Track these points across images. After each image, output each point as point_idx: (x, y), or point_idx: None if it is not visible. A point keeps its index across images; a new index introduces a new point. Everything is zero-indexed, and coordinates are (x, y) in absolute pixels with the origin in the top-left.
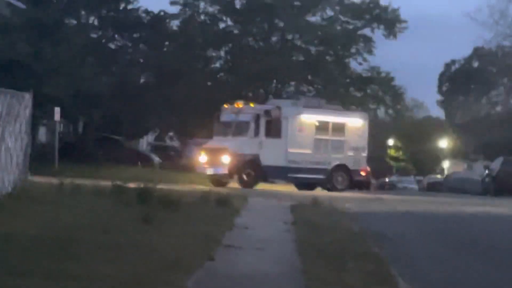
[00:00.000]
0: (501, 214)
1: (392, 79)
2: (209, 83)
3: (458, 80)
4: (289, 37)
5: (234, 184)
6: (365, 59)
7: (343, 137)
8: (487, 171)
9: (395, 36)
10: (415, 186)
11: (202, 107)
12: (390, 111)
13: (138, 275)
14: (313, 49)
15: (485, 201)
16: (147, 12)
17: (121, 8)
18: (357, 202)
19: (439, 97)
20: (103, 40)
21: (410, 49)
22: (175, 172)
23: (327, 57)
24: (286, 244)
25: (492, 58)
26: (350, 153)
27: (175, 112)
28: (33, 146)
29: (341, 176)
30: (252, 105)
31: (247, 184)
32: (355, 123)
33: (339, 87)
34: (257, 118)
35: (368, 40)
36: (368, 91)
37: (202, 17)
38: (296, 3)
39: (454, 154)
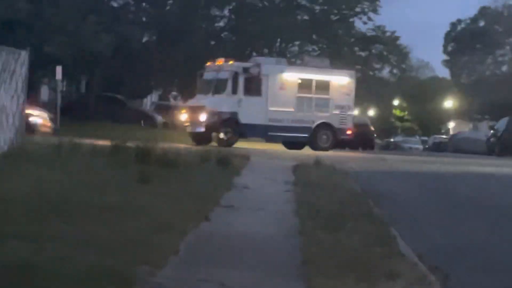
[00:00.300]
0: (505, 174)
1: (397, 38)
2: (212, 42)
3: (464, 40)
4: None
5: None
6: (370, 18)
7: (327, 95)
8: (492, 131)
9: None
10: (420, 146)
11: None
12: (395, 70)
13: (128, 236)
14: (317, 8)
15: (490, 161)
16: None
17: None
18: (360, 162)
19: (444, 57)
20: None
21: (416, 9)
22: (178, 131)
23: (332, 16)
24: (285, 205)
25: (499, 17)
26: (336, 112)
27: (177, 71)
28: (35, 105)
29: (326, 135)
30: (231, 62)
31: (225, 142)
32: (341, 81)
33: (343, 46)
34: (235, 75)
35: None
36: (373, 50)
37: None
38: None
39: (460, 114)
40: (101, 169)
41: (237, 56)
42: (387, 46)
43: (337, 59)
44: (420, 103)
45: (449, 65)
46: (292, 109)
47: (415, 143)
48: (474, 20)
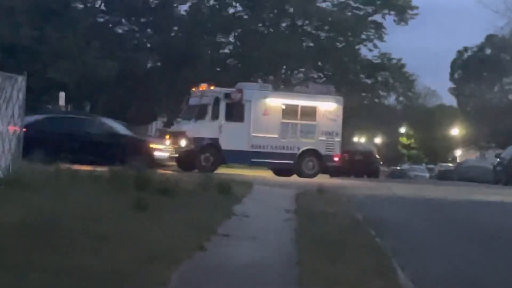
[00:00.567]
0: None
1: (403, 65)
2: (217, 69)
3: (471, 68)
4: (299, 22)
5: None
6: (375, 46)
7: (313, 121)
8: (498, 160)
9: (406, 22)
10: (426, 174)
11: None
12: (401, 98)
13: (117, 267)
14: (323, 35)
15: (495, 189)
16: None
17: None
18: (364, 190)
19: (451, 85)
20: (110, 25)
21: (422, 37)
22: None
23: (337, 43)
24: (285, 233)
25: (505, 45)
26: (322, 138)
27: (182, 97)
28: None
29: (311, 162)
30: (212, 87)
31: (206, 168)
32: (327, 106)
33: (349, 73)
34: (216, 101)
35: (379, 27)
36: (379, 78)
37: (211, 1)
38: None
39: (466, 142)
40: (97, 196)
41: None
42: (393, 73)
43: (342, 86)
44: (426, 131)
45: (455, 92)
46: (276, 135)
47: (421, 171)
48: (481, 48)
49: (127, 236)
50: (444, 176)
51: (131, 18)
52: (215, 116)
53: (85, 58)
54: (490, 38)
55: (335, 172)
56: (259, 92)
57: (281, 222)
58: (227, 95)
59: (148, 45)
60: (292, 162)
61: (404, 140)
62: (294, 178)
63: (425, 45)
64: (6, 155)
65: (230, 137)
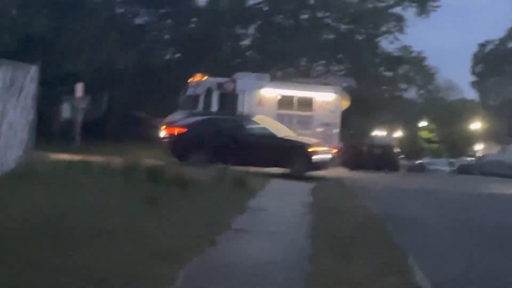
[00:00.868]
0: None
1: (423, 58)
2: (237, 61)
3: (492, 61)
4: (319, 14)
5: None
6: (396, 38)
7: (310, 112)
8: None
9: (427, 14)
10: (447, 168)
11: None
12: (422, 91)
13: (123, 264)
14: (343, 27)
15: None
16: None
17: None
18: (384, 184)
19: (472, 79)
20: (129, 16)
21: (444, 31)
22: None
23: (358, 36)
24: (299, 228)
25: None
26: (319, 129)
27: None
28: (57, 122)
29: None
30: (205, 78)
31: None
32: (325, 97)
33: (369, 66)
34: (208, 91)
35: (399, 19)
36: (399, 71)
37: None
38: None
39: (488, 137)
40: (108, 190)
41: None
42: (414, 66)
43: (362, 79)
44: (448, 125)
45: (477, 86)
46: None
47: (442, 165)
48: (503, 41)
49: (136, 231)
50: (464, 170)
51: (150, 9)
52: (207, 107)
53: (102, 49)
54: None
55: (354, 165)
56: (253, 82)
57: (296, 216)
58: (219, 85)
59: (167, 37)
60: None
61: (424, 134)
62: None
63: (446, 39)
64: (18, 147)
65: None
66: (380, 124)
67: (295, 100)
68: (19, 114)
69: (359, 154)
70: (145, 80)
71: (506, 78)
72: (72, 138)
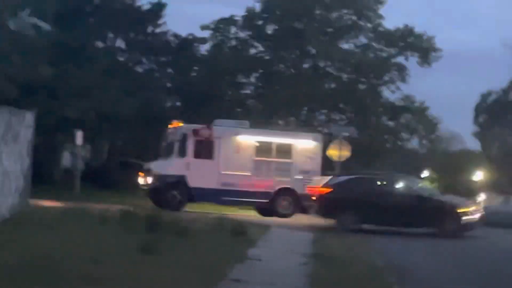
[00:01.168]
0: None
1: (426, 108)
2: (238, 110)
3: (495, 112)
4: (321, 64)
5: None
6: (398, 88)
7: (289, 159)
8: None
9: (429, 64)
10: None
11: None
12: (424, 141)
13: None
14: (345, 77)
15: None
16: (175, 35)
17: (149, 31)
18: (388, 233)
19: (475, 129)
20: (130, 64)
21: (446, 81)
22: None
23: (360, 85)
24: (298, 279)
25: None
26: (299, 176)
27: None
28: (57, 170)
29: (287, 201)
30: (180, 124)
31: (172, 206)
32: (305, 144)
33: (371, 115)
34: (183, 137)
35: (401, 68)
36: (401, 120)
37: (233, 42)
38: (329, 29)
39: (490, 187)
40: (104, 237)
41: (263, 123)
42: (416, 116)
43: (364, 128)
44: (450, 175)
45: (479, 136)
46: (248, 173)
47: None
48: (506, 91)
49: (128, 279)
50: None
51: (151, 57)
52: (182, 153)
53: (103, 96)
54: None
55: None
56: (230, 129)
57: (295, 267)
58: (195, 132)
59: (168, 85)
60: (266, 201)
61: (427, 183)
62: (312, 220)
63: (448, 89)
64: (13, 194)
65: (199, 174)
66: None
67: (273, 147)
68: (14, 161)
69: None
70: (146, 128)
71: (508, 129)
72: (72, 186)
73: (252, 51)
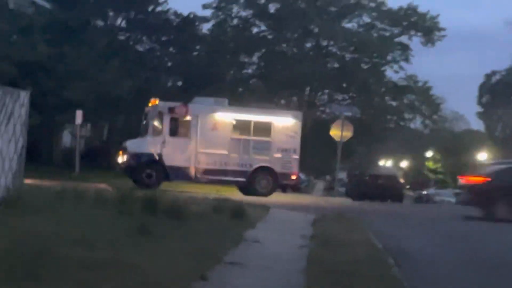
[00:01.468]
0: None
1: (429, 88)
2: (240, 89)
3: (499, 92)
4: (324, 43)
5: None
6: (401, 68)
7: (268, 137)
8: None
9: (433, 43)
10: (453, 199)
11: None
12: (427, 121)
13: None
14: (348, 56)
15: None
16: (176, 14)
17: (149, 10)
18: (387, 215)
19: (479, 109)
20: (131, 43)
21: (450, 61)
22: None
23: (362, 65)
24: (296, 262)
25: None
26: (277, 155)
27: None
28: (56, 151)
29: (265, 179)
30: (156, 102)
31: (147, 184)
32: (284, 122)
33: (374, 95)
34: (159, 115)
35: (405, 48)
36: (404, 100)
37: (235, 21)
38: (332, 8)
39: None
40: (100, 219)
41: (265, 103)
42: (419, 96)
43: (367, 108)
44: (454, 156)
45: (483, 117)
46: (225, 152)
47: (447, 196)
48: (509, 71)
49: (122, 263)
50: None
51: (151, 37)
52: (158, 131)
53: (103, 76)
54: None
55: (358, 195)
56: (207, 107)
57: (294, 249)
58: (171, 110)
59: (169, 64)
60: (243, 179)
61: (430, 164)
62: (313, 200)
63: (452, 70)
64: (6, 174)
65: (175, 153)
66: (386, 154)
67: (252, 125)
68: (8, 141)
69: (363, 184)
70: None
71: None
72: (72, 166)
73: (255, 30)
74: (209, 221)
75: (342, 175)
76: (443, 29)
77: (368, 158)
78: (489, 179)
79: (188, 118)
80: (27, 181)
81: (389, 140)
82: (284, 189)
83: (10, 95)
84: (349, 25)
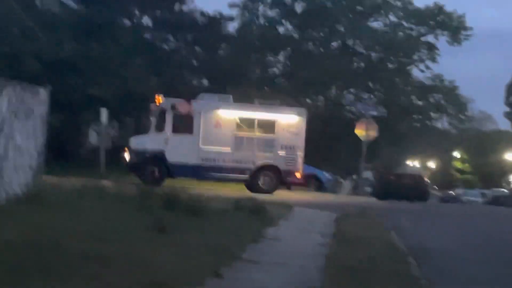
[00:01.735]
0: None
1: (456, 88)
2: (266, 88)
3: None
4: (350, 42)
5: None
6: (427, 67)
7: (272, 134)
8: None
9: (459, 43)
10: (479, 200)
11: None
12: (454, 121)
13: None
14: (374, 56)
15: None
16: (202, 13)
17: (176, 9)
18: (411, 214)
19: (506, 109)
20: (156, 42)
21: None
22: None
23: (389, 64)
24: (315, 260)
25: None
26: (281, 152)
27: None
28: (82, 148)
29: (269, 177)
30: (160, 99)
31: (150, 181)
32: (288, 119)
33: (400, 95)
34: (162, 112)
35: (431, 47)
36: (431, 100)
37: (261, 20)
38: (358, 8)
39: None
40: (118, 216)
41: (291, 101)
42: (446, 95)
43: (393, 107)
44: (481, 156)
45: (511, 117)
46: (228, 149)
47: (474, 196)
48: None
49: (136, 259)
50: (497, 202)
51: (177, 35)
52: (160, 128)
53: (128, 74)
54: None
55: (383, 194)
56: (210, 104)
57: (314, 247)
58: (173, 107)
59: (195, 63)
60: (247, 176)
61: (458, 164)
62: (338, 199)
63: (480, 69)
64: (26, 171)
65: (178, 150)
66: (412, 154)
67: (256, 122)
68: (27, 137)
69: (388, 184)
70: None
71: None
72: (98, 163)
73: (281, 29)
74: (229, 218)
75: (369, 174)
76: (470, 28)
77: (394, 157)
78: None
79: (191, 114)
80: (51, 178)
81: (415, 140)
82: (289, 186)
83: (29, 92)
84: (375, 25)
